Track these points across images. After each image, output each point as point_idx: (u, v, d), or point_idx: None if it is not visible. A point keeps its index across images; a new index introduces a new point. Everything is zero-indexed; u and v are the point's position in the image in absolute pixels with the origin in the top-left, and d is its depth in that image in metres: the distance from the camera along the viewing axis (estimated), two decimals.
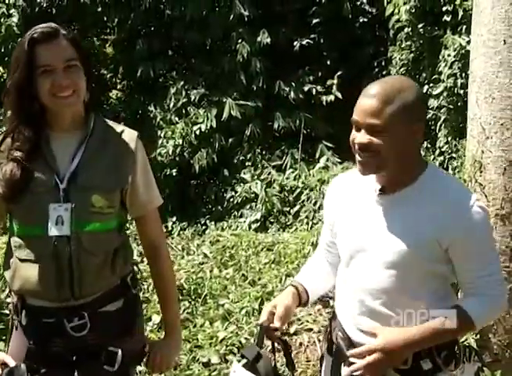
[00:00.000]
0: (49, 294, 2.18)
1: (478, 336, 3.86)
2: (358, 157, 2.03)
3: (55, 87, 2.09)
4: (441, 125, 7.41)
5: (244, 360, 2.13)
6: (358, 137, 2.00)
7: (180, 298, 5.14)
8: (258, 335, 2.20)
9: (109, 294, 2.28)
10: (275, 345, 2.26)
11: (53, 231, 2.13)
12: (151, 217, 2.42)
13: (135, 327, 2.40)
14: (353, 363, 2.10)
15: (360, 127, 1.99)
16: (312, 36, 9.26)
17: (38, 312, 2.22)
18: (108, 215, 2.24)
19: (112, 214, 2.25)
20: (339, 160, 8.49)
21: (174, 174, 9.35)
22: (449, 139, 7.30)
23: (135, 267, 2.48)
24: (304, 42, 9.17)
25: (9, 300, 2.40)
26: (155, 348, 2.44)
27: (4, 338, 4.02)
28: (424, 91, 7.66)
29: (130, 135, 2.30)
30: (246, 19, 9.14)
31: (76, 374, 2.25)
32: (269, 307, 2.18)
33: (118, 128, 2.31)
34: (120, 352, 2.26)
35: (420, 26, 7.68)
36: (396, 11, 7.76)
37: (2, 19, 9.61)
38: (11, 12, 9.61)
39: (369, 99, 1.99)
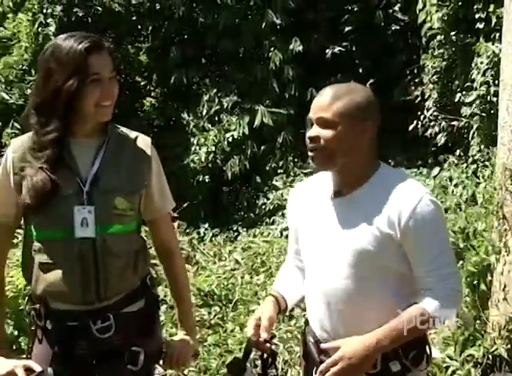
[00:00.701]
0: (74, 297, 2.21)
1: (510, 346, 3.85)
2: (308, 152, 2.12)
3: (103, 96, 2.14)
4: (473, 133, 7.35)
5: None
6: (309, 131, 2.11)
7: (211, 303, 5.20)
8: (246, 349, 2.23)
9: (131, 295, 2.32)
10: (264, 355, 2.26)
11: (79, 233, 2.16)
12: (164, 221, 2.47)
13: (156, 327, 2.45)
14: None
15: (312, 123, 2.11)
16: (344, 44, 9.26)
17: (63, 316, 2.24)
18: (129, 217, 2.28)
19: (132, 216, 2.29)
20: None
21: (206, 180, 9.40)
22: (482, 147, 7.23)
23: (152, 269, 2.52)
24: (336, 50, 9.18)
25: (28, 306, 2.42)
26: (172, 346, 2.47)
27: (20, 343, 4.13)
28: (457, 99, 7.62)
29: (144, 142, 2.35)
30: (278, 27, 9.18)
31: (100, 375, 2.29)
32: (254, 321, 2.21)
33: (132, 134, 2.36)
34: (142, 351, 2.30)
35: (452, 33, 7.64)
36: (428, 18, 7.71)
37: (40, 29, 9.79)
38: (48, 21, 9.79)
39: (321, 96, 2.13)
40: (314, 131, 2.09)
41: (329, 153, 2.08)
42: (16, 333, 4.03)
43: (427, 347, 2.19)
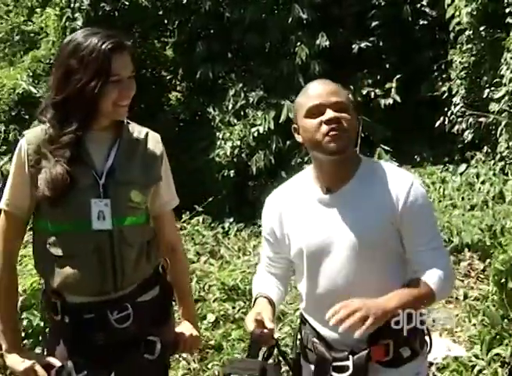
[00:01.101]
0: (92, 288, 2.21)
1: None
2: (332, 135, 2.05)
3: (121, 96, 2.15)
4: (501, 130, 7.29)
5: None
6: (328, 114, 2.06)
7: (235, 297, 5.20)
8: (252, 345, 2.06)
9: (145, 284, 2.33)
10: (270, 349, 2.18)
11: (96, 226, 2.17)
12: (167, 217, 2.49)
13: (170, 316, 2.49)
14: (337, 366, 2.14)
15: (323, 109, 2.07)
16: (371, 39, 9.20)
17: (79, 309, 2.25)
18: (141, 210, 2.30)
19: (144, 209, 2.32)
20: (397, 164, 8.42)
21: (231, 175, 9.42)
22: (510, 143, 7.17)
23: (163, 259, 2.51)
24: (362, 45, 9.12)
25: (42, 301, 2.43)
26: (183, 333, 2.50)
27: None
28: (485, 95, 7.56)
29: (155, 137, 2.36)
30: (304, 22, 9.14)
31: (118, 365, 2.29)
32: (253, 315, 2.15)
33: (143, 130, 2.36)
34: (158, 340, 2.32)
35: (481, 28, 7.57)
36: (457, 13, 7.66)
37: (67, 23, 9.86)
38: (75, 15, 9.85)
39: (323, 84, 2.16)
40: (333, 113, 2.06)
41: (349, 135, 2.09)
42: (42, 324, 4.07)
43: (427, 336, 2.27)
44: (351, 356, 2.13)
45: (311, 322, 2.27)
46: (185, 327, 2.53)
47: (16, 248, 2.35)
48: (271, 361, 2.13)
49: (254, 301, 2.30)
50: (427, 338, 2.27)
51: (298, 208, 2.23)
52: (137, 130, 2.35)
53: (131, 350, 2.29)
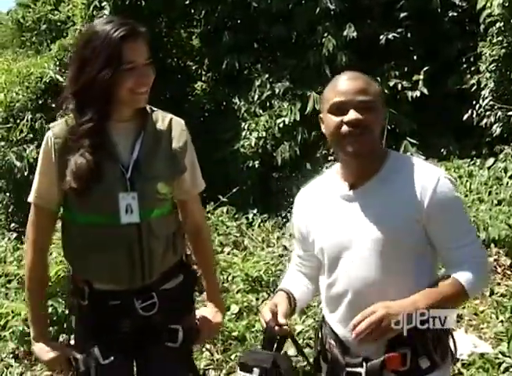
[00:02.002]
0: (120, 279, 2.23)
1: None
2: (350, 138, 2.00)
3: (137, 84, 2.13)
4: None
5: (257, 370, 1.95)
6: (349, 115, 2.00)
7: (259, 289, 5.19)
8: (267, 336, 2.06)
9: (170, 272, 2.34)
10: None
11: (124, 219, 2.18)
12: (194, 201, 2.48)
13: (193, 304, 2.49)
14: (350, 372, 2.09)
15: (347, 107, 2.01)
16: (399, 30, 9.10)
17: (106, 296, 2.27)
18: (168, 201, 2.32)
19: (169, 199, 2.33)
20: (423, 157, 8.34)
21: (256, 166, 9.41)
22: None
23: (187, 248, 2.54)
24: (390, 36, 9.03)
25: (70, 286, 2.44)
26: (203, 316, 2.51)
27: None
28: None
29: (179, 124, 2.35)
30: (332, 12, 9.07)
31: (142, 353, 2.32)
32: (270, 306, 2.10)
33: (166, 117, 2.35)
34: (181, 328, 2.33)
35: None
36: (488, 5, 7.53)
37: (94, 12, 9.90)
38: (103, 4, 9.89)
39: (351, 81, 2.07)
40: (356, 114, 2.00)
41: (371, 137, 2.03)
42: (67, 312, 4.09)
43: (451, 341, 2.16)
44: (364, 363, 2.07)
45: (330, 321, 2.22)
46: (207, 311, 2.54)
47: (47, 240, 2.38)
48: (283, 352, 2.10)
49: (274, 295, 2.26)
50: (451, 343, 2.16)
51: (323, 205, 2.19)
52: (161, 117, 2.33)
53: (153, 338, 2.31)
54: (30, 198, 2.30)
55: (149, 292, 2.27)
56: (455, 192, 2.08)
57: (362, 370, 2.07)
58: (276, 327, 2.02)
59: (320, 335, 2.31)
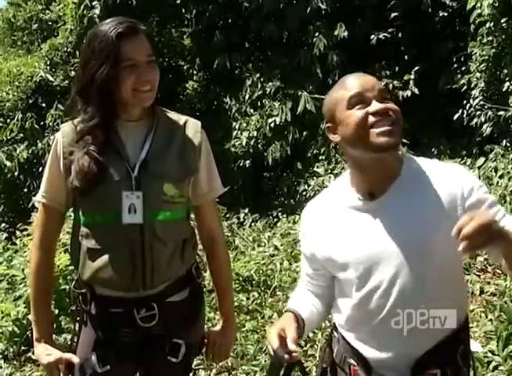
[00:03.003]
0: (121, 283, 2.20)
1: None
2: (380, 128, 1.84)
3: (139, 82, 2.12)
4: None
5: None
6: (374, 105, 1.86)
7: (249, 289, 5.20)
8: (274, 364, 1.87)
9: (176, 285, 2.29)
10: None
11: (127, 219, 2.15)
12: (208, 206, 2.42)
13: (199, 317, 2.43)
14: None
15: (368, 98, 1.87)
16: (390, 30, 9.11)
17: (107, 302, 2.25)
18: (178, 205, 2.26)
19: (182, 203, 2.27)
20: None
21: (247, 165, 9.40)
22: None
23: (199, 258, 2.47)
24: (381, 36, 9.04)
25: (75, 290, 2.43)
26: (213, 338, 2.46)
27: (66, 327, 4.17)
28: (505, 88, 7.47)
29: (194, 126, 2.32)
30: (323, 12, 9.07)
31: (141, 364, 2.29)
32: (277, 331, 1.91)
33: (182, 118, 2.33)
34: (183, 343, 2.29)
35: (503, 20, 7.46)
36: (478, 5, 7.54)
37: (85, 11, 9.86)
38: (93, 4, 9.85)
39: (361, 76, 1.95)
40: (382, 104, 1.86)
41: (399, 128, 1.89)
42: (56, 312, 4.09)
43: (468, 347, 2.06)
44: None
45: (351, 340, 2.05)
46: (217, 333, 2.48)
47: (52, 240, 2.36)
48: None
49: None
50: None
51: (339, 219, 2.02)
52: (176, 118, 2.32)
53: (155, 351, 2.27)
54: (38, 197, 2.30)
55: (151, 303, 2.23)
56: (476, 179, 1.97)
57: None
58: (286, 356, 1.82)
59: (331, 354, 2.14)
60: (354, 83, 1.92)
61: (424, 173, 1.95)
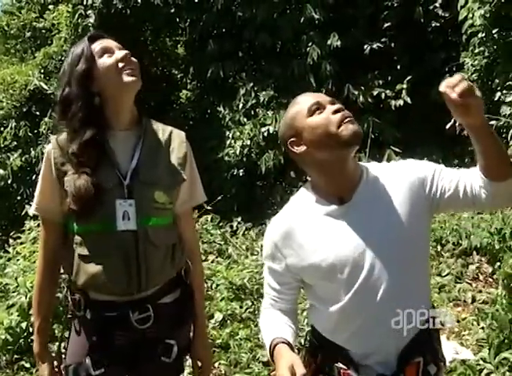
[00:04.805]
0: (116, 288, 2.21)
1: None
2: (345, 120, 1.95)
3: (120, 60, 2.15)
4: None
5: None
6: (331, 107, 2.00)
7: (243, 297, 5.19)
8: None
9: (167, 286, 2.32)
10: None
11: (121, 226, 2.16)
12: (186, 216, 2.43)
13: (189, 319, 2.44)
14: None
15: (324, 105, 2.01)
16: (383, 40, 9.19)
17: (102, 307, 2.25)
18: (168, 211, 2.28)
19: (171, 210, 2.30)
20: None
21: (240, 174, 9.43)
22: None
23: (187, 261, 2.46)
24: (374, 46, 9.11)
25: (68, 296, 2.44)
26: (196, 354, 2.46)
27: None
28: (496, 98, 7.51)
29: (179, 136, 2.35)
30: (316, 22, 9.14)
31: (135, 366, 2.29)
32: (288, 369, 1.84)
33: (166, 128, 2.35)
34: (175, 343, 2.31)
35: (494, 31, 7.52)
36: (470, 15, 7.60)
37: (80, 20, 9.90)
38: (88, 13, 9.89)
39: (312, 93, 2.13)
40: (336, 105, 2.01)
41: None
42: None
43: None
44: None
45: (337, 341, 2.07)
46: (198, 347, 2.46)
47: (53, 253, 2.35)
48: None
49: (273, 349, 1.99)
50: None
51: (316, 226, 2.05)
52: (161, 129, 2.34)
53: (148, 352, 2.29)
54: (32, 209, 2.32)
55: (145, 304, 2.25)
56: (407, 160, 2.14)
57: None
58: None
59: (314, 364, 2.14)
60: (307, 97, 2.07)
61: (382, 173, 2.07)
